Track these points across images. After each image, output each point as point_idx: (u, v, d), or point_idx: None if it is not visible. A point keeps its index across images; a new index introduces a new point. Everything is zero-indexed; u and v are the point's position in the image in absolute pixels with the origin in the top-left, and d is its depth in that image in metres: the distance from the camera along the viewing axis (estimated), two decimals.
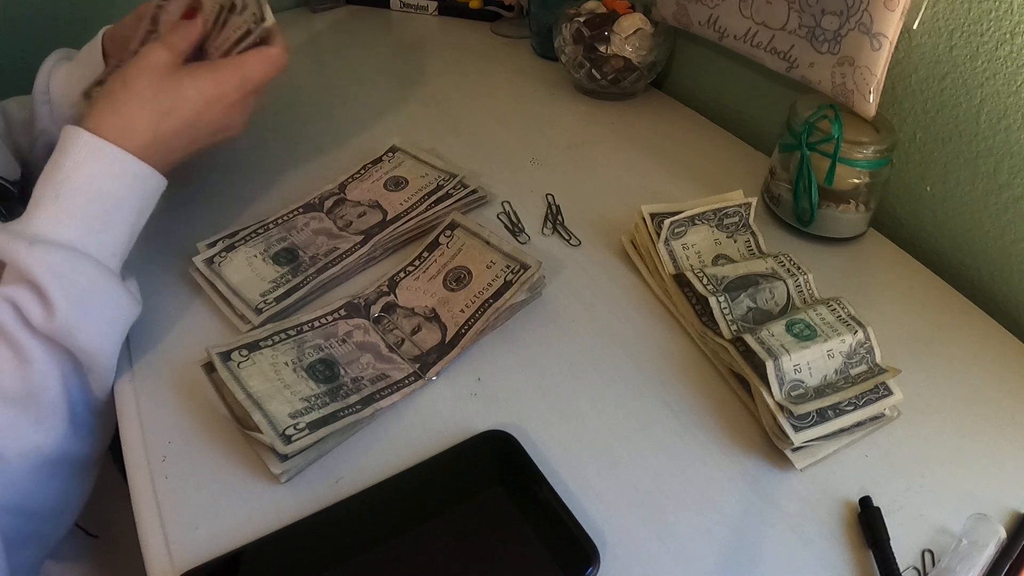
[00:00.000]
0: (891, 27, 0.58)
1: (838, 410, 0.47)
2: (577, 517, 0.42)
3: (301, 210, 0.64)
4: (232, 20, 0.56)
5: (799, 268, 0.56)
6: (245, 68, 0.55)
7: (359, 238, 0.61)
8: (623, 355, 0.54)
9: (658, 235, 0.58)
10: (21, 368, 0.47)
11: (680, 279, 0.56)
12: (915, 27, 0.60)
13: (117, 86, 0.52)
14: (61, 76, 0.65)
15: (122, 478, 0.48)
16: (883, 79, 0.60)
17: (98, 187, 0.49)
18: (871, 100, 0.61)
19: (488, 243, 0.59)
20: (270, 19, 0.55)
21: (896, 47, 0.59)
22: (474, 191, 0.67)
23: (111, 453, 0.55)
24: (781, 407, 0.47)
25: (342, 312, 0.55)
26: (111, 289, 0.49)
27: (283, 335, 0.52)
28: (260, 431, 0.45)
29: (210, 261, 0.59)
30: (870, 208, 0.63)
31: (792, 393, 0.48)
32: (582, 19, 0.81)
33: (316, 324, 0.54)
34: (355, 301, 0.56)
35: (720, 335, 0.52)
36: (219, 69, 0.55)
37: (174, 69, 0.53)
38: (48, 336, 0.47)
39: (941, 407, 0.51)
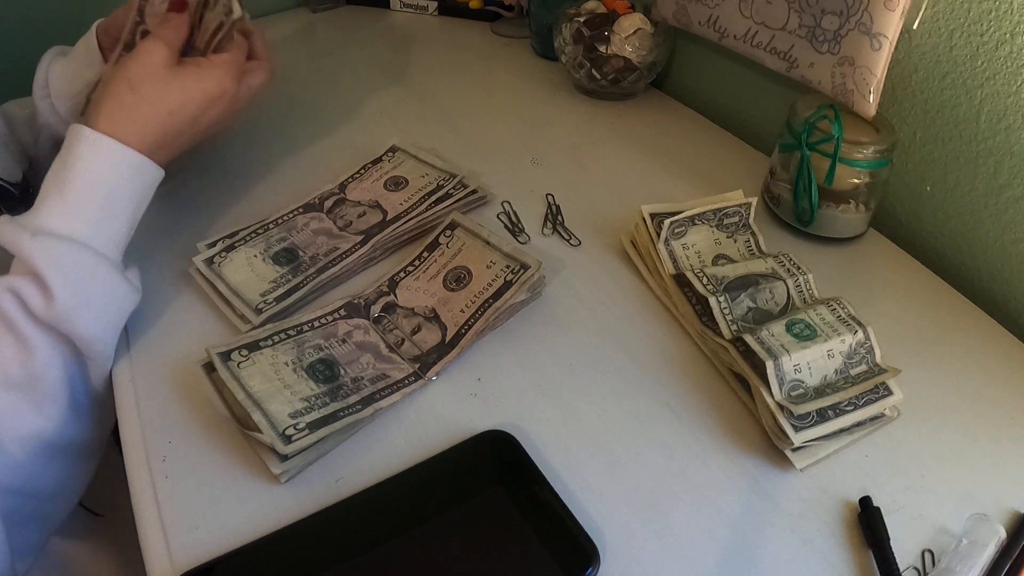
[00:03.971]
0: (891, 27, 0.58)
1: (838, 410, 0.47)
2: (577, 517, 0.42)
3: (301, 210, 0.64)
4: (207, 15, 0.59)
5: (799, 268, 0.56)
6: (239, 66, 0.58)
7: (359, 238, 0.61)
8: (623, 355, 0.54)
9: (658, 235, 0.58)
10: (24, 355, 0.48)
11: (680, 279, 0.56)
12: (915, 27, 0.60)
13: (124, 88, 0.53)
14: (58, 71, 0.66)
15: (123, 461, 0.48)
16: (883, 79, 0.60)
17: (101, 182, 0.51)
18: (871, 100, 0.61)
19: (488, 243, 0.59)
20: (237, 11, 0.58)
21: (896, 47, 0.59)
22: (474, 191, 0.67)
23: (112, 437, 0.55)
24: (781, 407, 0.47)
25: (342, 312, 0.55)
26: (110, 278, 0.51)
27: (283, 335, 0.52)
28: (260, 431, 0.45)
29: (210, 261, 0.59)
30: (870, 208, 0.63)
31: (792, 393, 0.48)
32: (582, 19, 0.81)
33: (316, 324, 0.54)
34: (355, 301, 0.56)
35: (720, 335, 0.52)
36: (217, 67, 0.56)
37: (175, 66, 0.55)
38: (48, 324, 0.48)
39: (941, 407, 0.51)
